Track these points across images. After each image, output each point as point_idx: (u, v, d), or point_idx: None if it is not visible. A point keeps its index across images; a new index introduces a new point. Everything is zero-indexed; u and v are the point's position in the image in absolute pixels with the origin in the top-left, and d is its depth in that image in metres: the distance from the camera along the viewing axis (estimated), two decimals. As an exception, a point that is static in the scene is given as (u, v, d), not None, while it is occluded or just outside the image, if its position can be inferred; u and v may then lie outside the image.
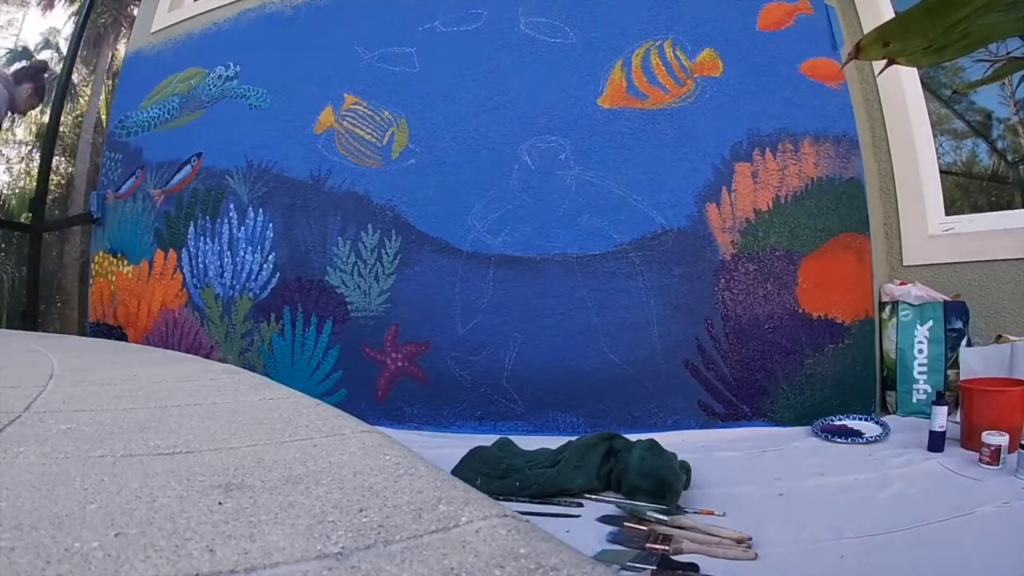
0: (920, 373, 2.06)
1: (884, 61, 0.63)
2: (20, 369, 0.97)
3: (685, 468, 1.48)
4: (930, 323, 2.08)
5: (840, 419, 1.92)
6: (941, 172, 2.38)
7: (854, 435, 1.81)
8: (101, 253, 3.29)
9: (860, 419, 1.91)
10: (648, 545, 1.13)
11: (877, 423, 1.87)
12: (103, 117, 10.72)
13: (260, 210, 2.63)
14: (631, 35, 2.19)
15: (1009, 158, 2.59)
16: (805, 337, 2.04)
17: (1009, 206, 2.50)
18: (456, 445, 1.78)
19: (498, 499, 1.35)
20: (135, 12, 4.17)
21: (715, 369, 2.04)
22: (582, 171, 2.15)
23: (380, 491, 0.41)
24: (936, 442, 1.64)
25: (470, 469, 1.55)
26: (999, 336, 1.99)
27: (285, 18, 2.77)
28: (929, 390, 2.02)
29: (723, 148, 2.10)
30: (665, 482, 1.35)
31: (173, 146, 3.02)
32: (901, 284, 2.19)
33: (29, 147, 12.73)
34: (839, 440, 1.80)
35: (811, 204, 2.08)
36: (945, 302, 2.09)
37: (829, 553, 1.08)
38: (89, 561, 0.29)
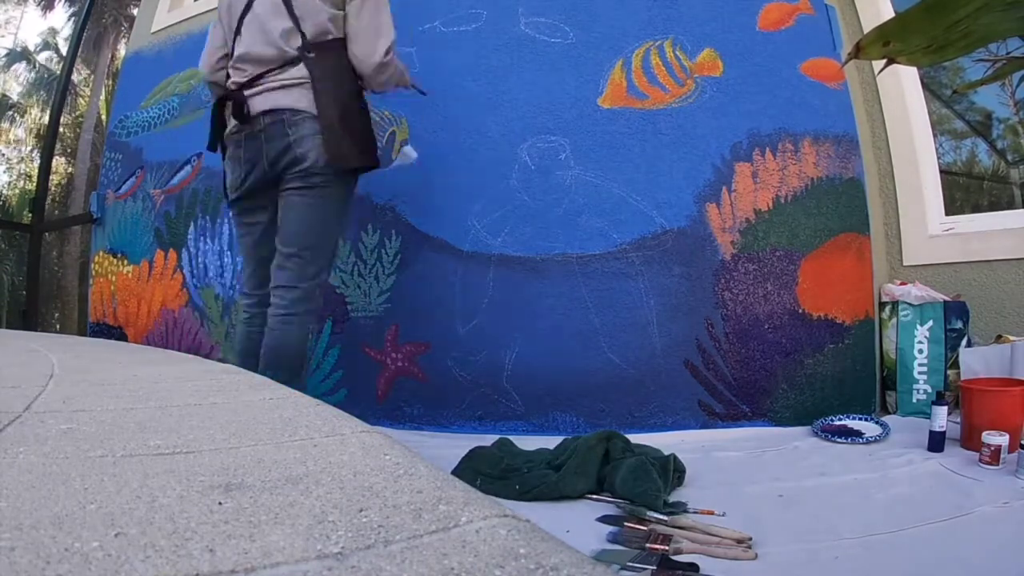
0: (920, 373, 2.06)
1: (884, 61, 0.63)
2: (20, 369, 0.97)
3: (679, 469, 1.48)
4: (930, 323, 2.08)
5: (840, 419, 1.92)
6: (941, 172, 2.38)
7: (854, 435, 1.81)
8: (101, 253, 3.29)
9: (860, 419, 1.91)
10: (648, 545, 1.13)
11: (877, 423, 1.87)
12: (103, 117, 10.72)
13: (260, 210, 2.63)
14: (631, 35, 2.19)
15: (1009, 158, 2.59)
16: (805, 337, 2.04)
17: (1009, 206, 2.50)
18: (456, 445, 1.78)
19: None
20: (135, 12, 4.17)
21: (715, 369, 2.04)
22: (582, 171, 2.15)
23: (380, 491, 0.41)
24: (936, 442, 1.64)
25: (469, 470, 1.55)
26: (999, 336, 1.99)
27: (285, 18, 2.76)
28: (929, 390, 2.02)
29: (723, 148, 2.11)
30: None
31: (173, 146, 3.02)
32: (901, 284, 2.19)
33: (29, 147, 12.74)
34: (839, 440, 1.80)
35: (811, 204, 2.08)
36: (945, 302, 2.09)
37: (829, 553, 1.08)
38: (89, 561, 0.29)
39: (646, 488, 1.36)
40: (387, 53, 1.66)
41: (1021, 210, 2.32)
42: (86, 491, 0.40)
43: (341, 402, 2.31)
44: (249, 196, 1.75)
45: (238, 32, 1.72)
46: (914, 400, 2.05)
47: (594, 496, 1.42)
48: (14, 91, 13.12)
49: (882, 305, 2.18)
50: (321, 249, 1.68)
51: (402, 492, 0.40)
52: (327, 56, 1.64)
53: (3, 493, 0.39)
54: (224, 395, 0.77)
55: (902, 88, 2.36)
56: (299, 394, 0.78)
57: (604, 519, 1.29)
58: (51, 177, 7.69)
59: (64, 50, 11.73)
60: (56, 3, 12.81)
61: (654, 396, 2.05)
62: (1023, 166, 2.54)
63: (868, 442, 1.77)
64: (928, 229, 2.31)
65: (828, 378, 2.02)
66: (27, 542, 0.31)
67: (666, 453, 1.54)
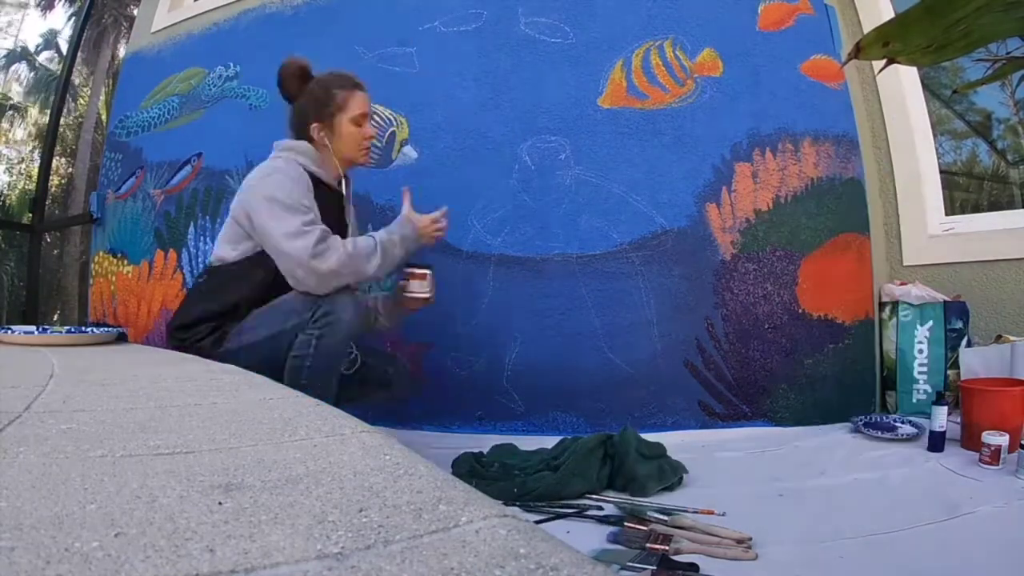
0: (920, 373, 2.06)
1: (884, 61, 0.63)
2: (20, 369, 0.97)
3: (679, 469, 1.49)
4: (930, 323, 2.08)
5: (877, 418, 1.94)
6: (941, 172, 2.38)
7: (890, 430, 1.82)
8: (101, 253, 3.29)
9: (899, 421, 1.92)
10: (648, 545, 1.13)
11: (912, 424, 1.87)
12: (103, 117, 10.73)
13: (260, 210, 2.63)
14: (631, 35, 2.19)
15: (1009, 158, 2.59)
16: (805, 337, 2.04)
17: (1009, 206, 2.50)
18: (456, 445, 1.78)
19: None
20: (135, 12, 4.17)
21: (715, 369, 2.04)
22: (582, 171, 2.15)
23: (380, 491, 0.41)
24: (936, 442, 1.64)
25: (462, 471, 1.55)
26: (999, 336, 1.99)
27: (285, 18, 2.76)
28: (929, 390, 2.02)
29: (723, 148, 2.10)
30: (664, 463, 1.44)
31: (173, 146, 3.02)
32: (901, 284, 2.19)
33: (29, 147, 12.75)
34: (875, 433, 1.82)
35: (811, 204, 2.08)
36: (945, 302, 2.09)
37: (829, 553, 1.09)
38: (89, 561, 0.29)
39: (648, 471, 1.40)
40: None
41: (1021, 210, 2.32)
42: (86, 491, 0.40)
43: (341, 402, 2.30)
44: None
45: None
46: (914, 400, 2.05)
47: (594, 496, 1.43)
48: (14, 92, 13.13)
49: (882, 305, 2.18)
50: None
51: (402, 492, 0.40)
52: None
53: (3, 493, 0.39)
54: (224, 395, 0.77)
55: (902, 88, 2.36)
56: (299, 394, 0.78)
57: (604, 519, 1.29)
58: (51, 177, 7.70)
59: (64, 50, 11.74)
60: (56, 3, 12.81)
61: (654, 396, 2.05)
62: (1023, 166, 2.54)
63: (901, 439, 1.78)
64: (928, 229, 2.31)
65: (828, 378, 2.02)
66: (27, 542, 0.31)
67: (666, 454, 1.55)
